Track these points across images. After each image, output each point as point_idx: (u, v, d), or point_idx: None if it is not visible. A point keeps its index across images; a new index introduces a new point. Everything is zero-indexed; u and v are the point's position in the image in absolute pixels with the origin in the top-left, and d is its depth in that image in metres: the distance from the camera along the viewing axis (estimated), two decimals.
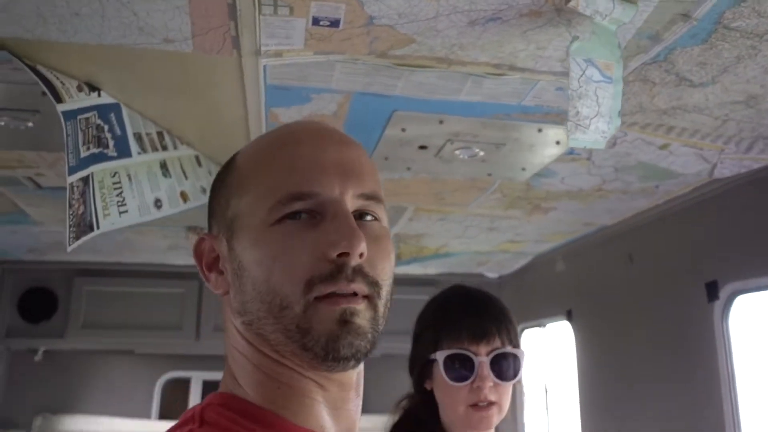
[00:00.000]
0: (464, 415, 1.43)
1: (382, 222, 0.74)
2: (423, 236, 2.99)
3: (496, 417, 1.44)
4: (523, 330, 3.73)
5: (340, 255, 0.66)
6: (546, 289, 3.46)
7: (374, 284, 0.68)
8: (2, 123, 1.74)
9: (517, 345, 1.48)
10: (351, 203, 0.70)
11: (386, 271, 0.71)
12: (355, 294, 0.66)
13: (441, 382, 1.45)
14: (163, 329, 3.63)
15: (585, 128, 1.14)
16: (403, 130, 1.77)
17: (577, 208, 2.48)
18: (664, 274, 2.44)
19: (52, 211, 2.58)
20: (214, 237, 0.75)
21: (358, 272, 0.67)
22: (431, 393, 1.50)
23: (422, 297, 4.02)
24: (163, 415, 3.89)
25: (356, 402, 0.75)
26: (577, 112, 1.13)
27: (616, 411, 2.76)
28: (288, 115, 1.69)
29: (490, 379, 1.40)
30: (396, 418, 1.53)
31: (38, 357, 3.73)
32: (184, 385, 4.04)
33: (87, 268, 3.53)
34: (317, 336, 0.66)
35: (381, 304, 0.69)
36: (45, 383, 3.81)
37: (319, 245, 0.66)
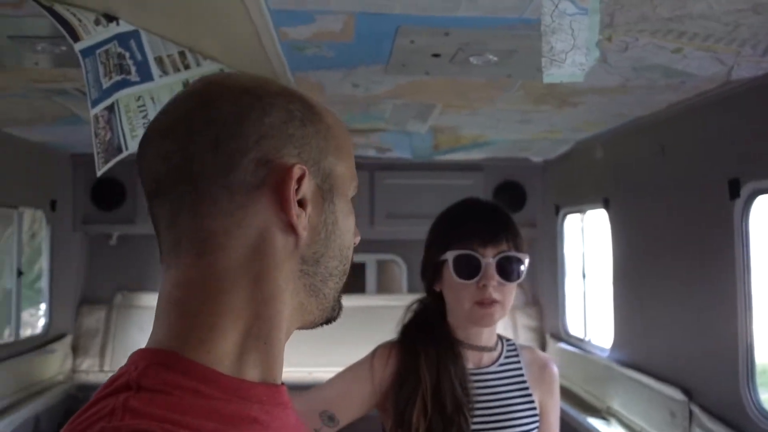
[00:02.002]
0: (469, 311, 1.56)
1: None
2: (457, 127, 3.03)
3: (498, 314, 1.57)
4: (565, 215, 3.80)
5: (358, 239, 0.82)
6: (586, 175, 3.48)
7: None
8: (39, 48, 1.88)
9: (521, 250, 1.58)
10: None
11: None
12: None
13: (449, 280, 1.58)
14: None
15: (560, 62, 1.17)
16: (412, 41, 1.80)
17: (605, 101, 2.47)
18: (691, 168, 2.44)
19: None
20: (307, 173, 0.71)
21: None
22: (440, 295, 1.64)
23: (466, 182, 4.13)
24: None
25: None
26: (551, 48, 1.16)
27: (644, 298, 2.86)
28: (297, 32, 1.74)
29: (495, 279, 1.53)
30: (406, 319, 1.68)
31: (113, 241, 4.09)
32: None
33: None
34: (339, 301, 0.78)
35: None
36: (121, 264, 4.18)
37: (354, 229, 0.80)
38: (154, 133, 0.72)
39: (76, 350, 4.03)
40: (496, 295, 1.54)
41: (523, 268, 1.57)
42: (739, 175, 2.12)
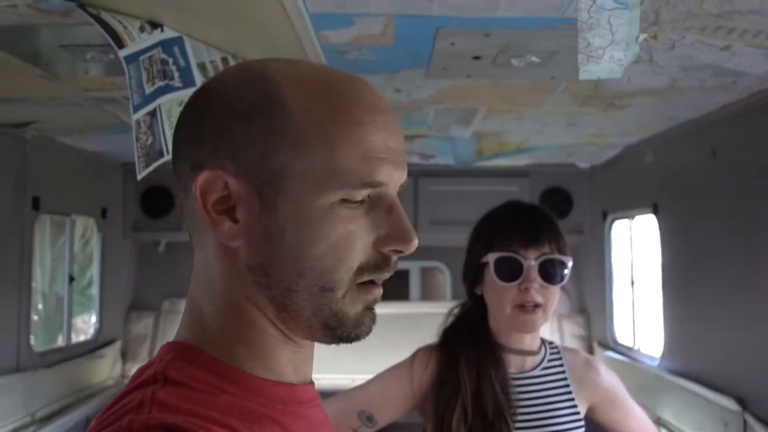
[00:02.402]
0: (511, 316, 1.53)
1: None
2: (501, 133, 3.00)
3: (540, 320, 1.54)
4: (613, 221, 3.72)
5: (393, 250, 0.67)
6: (635, 180, 3.41)
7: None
8: (89, 56, 1.93)
9: (564, 253, 1.55)
10: (396, 190, 0.70)
11: None
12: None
13: (491, 283, 1.55)
14: None
15: (597, 59, 1.15)
16: (452, 44, 1.79)
17: (654, 103, 2.41)
18: (745, 170, 2.36)
19: None
20: (233, 177, 0.66)
21: (395, 263, 0.69)
22: (481, 299, 1.62)
23: (512, 188, 4.09)
24: None
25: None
26: (588, 44, 1.13)
27: (695, 305, 2.77)
28: (338, 36, 1.75)
29: (537, 282, 1.50)
30: (448, 323, 1.66)
31: (161, 248, 4.17)
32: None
33: None
34: (346, 319, 0.67)
35: None
36: (169, 271, 4.25)
37: (372, 236, 0.67)
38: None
39: (125, 355, 4.11)
40: (538, 298, 1.51)
41: (566, 271, 1.54)
42: None
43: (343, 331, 0.68)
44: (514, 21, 1.61)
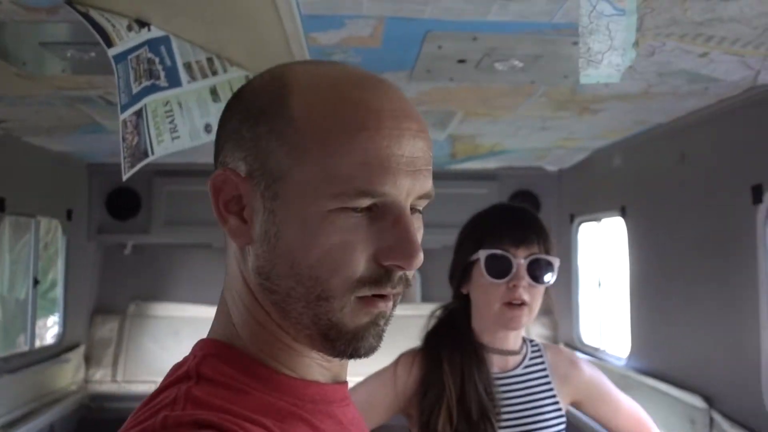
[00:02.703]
0: (498, 312, 1.56)
1: (422, 211, 0.71)
2: (476, 136, 3.04)
3: (526, 317, 1.57)
4: (580, 224, 3.80)
5: (394, 265, 0.65)
6: (602, 184, 3.48)
7: (408, 284, 0.68)
8: (69, 54, 1.89)
9: (552, 254, 1.58)
10: (410, 201, 0.67)
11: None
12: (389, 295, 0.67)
13: (479, 280, 1.57)
14: None
15: (597, 63, 1.18)
16: (439, 47, 1.81)
17: (627, 108, 2.47)
18: (713, 174, 2.44)
19: None
20: (242, 178, 0.67)
21: (402, 278, 0.67)
22: (467, 298, 1.64)
23: (481, 191, 4.14)
24: None
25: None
26: (588, 48, 1.16)
27: (663, 306, 2.85)
28: (327, 38, 1.76)
29: (526, 280, 1.53)
30: (430, 326, 1.68)
31: (128, 251, 4.09)
32: None
33: (164, 169, 3.73)
34: (345, 332, 0.66)
35: (400, 297, 0.69)
36: (135, 274, 4.19)
37: (374, 248, 0.64)
38: None
39: (89, 360, 4.03)
40: (525, 296, 1.54)
41: (553, 271, 1.57)
42: (761, 180, 2.12)
43: (341, 344, 0.66)
44: (502, 25, 1.64)
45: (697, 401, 2.49)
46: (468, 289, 1.62)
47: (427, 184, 0.67)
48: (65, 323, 3.80)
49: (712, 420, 2.41)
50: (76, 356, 3.88)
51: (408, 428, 1.65)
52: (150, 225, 3.92)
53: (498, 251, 1.54)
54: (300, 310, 0.66)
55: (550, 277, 1.57)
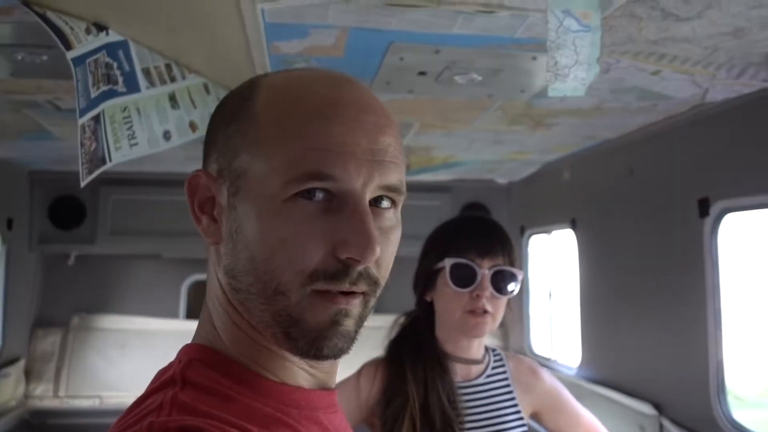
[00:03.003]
0: (460, 320, 1.58)
1: (396, 208, 0.70)
2: (431, 148, 3.06)
3: (489, 326, 1.59)
4: (530, 236, 3.86)
5: (349, 258, 0.63)
6: (553, 197, 3.55)
7: (375, 284, 0.66)
8: (19, 57, 1.83)
9: (516, 266, 1.62)
10: (371, 192, 0.66)
11: (389, 268, 0.69)
12: (353, 292, 0.65)
13: (443, 289, 1.59)
14: (186, 235, 3.80)
15: (564, 77, 1.20)
16: (401, 59, 1.82)
17: (578, 123, 2.53)
18: (661, 188, 2.52)
19: (72, 129, 2.68)
20: (213, 178, 0.69)
21: (363, 275, 0.65)
22: (431, 306, 1.64)
23: (434, 203, 4.15)
24: (190, 315, 4.16)
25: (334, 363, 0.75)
26: (556, 62, 1.19)
27: (612, 316, 2.92)
28: (289, 47, 1.74)
29: (489, 290, 1.55)
30: (393, 334, 1.68)
31: (71, 261, 3.97)
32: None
33: (111, 177, 3.63)
34: (306, 330, 0.65)
35: (373, 300, 0.68)
36: (79, 285, 4.05)
37: (331, 240, 0.63)
38: None
39: (29, 375, 3.88)
40: (488, 306, 1.56)
41: (515, 283, 1.59)
42: (708, 194, 2.20)
43: (303, 342, 0.65)
44: (465, 39, 1.66)
45: (646, 408, 2.55)
46: (432, 297, 1.63)
47: (391, 177, 0.67)
48: (4, 336, 3.64)
49: (661, 426, 2.48)
50: (16, 371, 3.72)
51: None
52: (95, 235, 3.81)
53: (463, 260, 1.55)
54: (261, 307, 0.65)
55: (513, 288, 1.59)
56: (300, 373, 0.72)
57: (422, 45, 1.71)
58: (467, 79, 1.98)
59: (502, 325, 4.25)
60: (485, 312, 1.57)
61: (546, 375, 1.71)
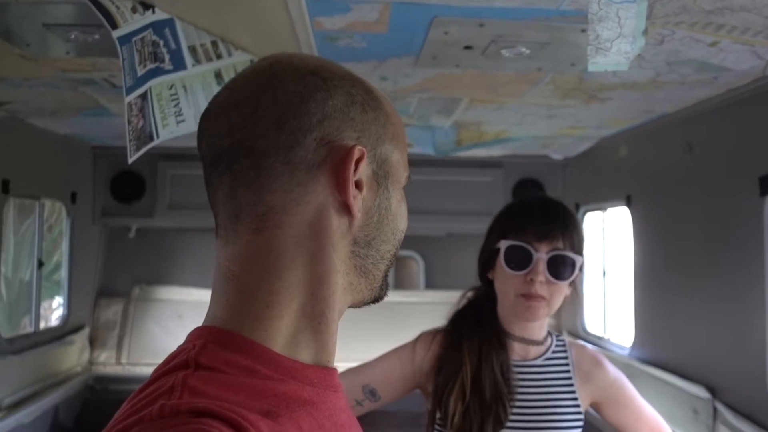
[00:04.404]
0: (513, 303, 1.55)
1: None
2: (482, 123, 3.02)
3: (543, 311, 1.54)
4: (585, 213, 3.78)
5: None
6: (608, 173, 3.46)
7: None
8: (73, 36, 1.88)
9: (579, 252, 1.55)
10: None
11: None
12: None
13: (500, 270, 1.56)
14: None
15: (606, 51, 1.16)
16: (446, 33, 1.79)
17: (634, 97, 2.45)
18: (719, 164, 2.42)
19: None
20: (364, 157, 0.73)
21: None
22: (492, 284, 1.63)
23: (486, 179, 4.12)
24: None
25: None
26: (597, 36, 1.15)
27: (667, 296, 2.84)
28: (332, 22, 1.74)
29: (544, 275, 1.50)
30: (460, 305, 1.67)
31: (132, 234, 4.10)
32: None
33: (169, 153, 3.73)
34: (387, 279, 0.80)
35: None
36: (139, 257, 4.19)
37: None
38: (221, 107, 0.74)
39: (93, 342, 4.05)
40: (542, 291, 1.51)
41: (575, 269, 1.54)
42: None
43: (386, 291, 0.80)
44: (509, 12, 1.62)
45: (700, 391, 2.49)
46: (492, 276, 1.61)
47: None
48: (70, 305, 3.81)
49: (715, 410, 2.41)
50: (81, 338, 3.89)
51: (426, 408, 1.64)
52: (154, 208, 3.92)
53: (519, 243, 1.52)
54: (383, 268, 0.78)
55: (571, 275, 1.54)
56: (308, 351, 0.72)
57: (466, 19, 1.68)
58: (515, 53, 1.94)
59: None
60: (540, 297, 1.53)
61: (611, 367, 1.66)
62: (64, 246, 3.79)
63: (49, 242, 4.35)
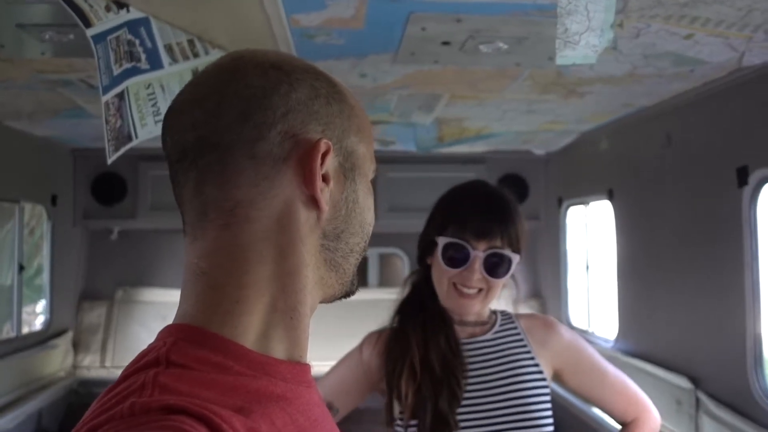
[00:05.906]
0: (447, 295, 1.55)
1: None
2: (463, 119, 3.02)
3: (477, 305, 1.55)
4: (568, 207, 3.80)
5: None
6: (590, 167, 3.48)
7: None
8: (48, 36, 1.86)
9: (516, 249, 1.54)
10: None
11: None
12: None
13: (437, 261, 1.55)
14: None
15: (574, 44, 1.17)
16: (423, 29, 1.79)
17: (612, 91, 2.47)
18: (698, 156, 2.44)
19: None
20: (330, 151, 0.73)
21: None
22: (430, 269, 1.62)
23: (469, 175, 4.11)
24: None
25: None
26: (566, 29, 1.15)
27: (650, 288, 2.86)
28: (309, 19, 1.73)
29: (480, 273, 1.50)
30: (405, 293, 1.67)
31: (114, 236, 4.06)
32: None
33: (150, 154, 3.68)
34: (355, 275, 0.80)
35: None
36: (122, 259, 4.16)
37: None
38: (184, 103, 0.73)
39: (77, 346, 4.01)
40: (479, 285, 1.52)
41: (511, 266, 1.54)
42: (747, 162, 2.12)
43: (356, 286, 0.80)
44: (486, 6, 1.62)
45: (683, 382, 2.51)
46: (431, 261, 1.59)
47: None
48: (52, 309, 3.78)
49: (698, 400, 2.43)
50: (64, 342, 3.86)
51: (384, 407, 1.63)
52: (136, 210, 3.90)
53: (456, 240, 1.51)
54: (352, 261, 0.78)
55: (507, 272, 1.53)
56: (281, 346, 0.71)
57: (442, 14, 1.68)
58: (493, 48, 1.94)
59: (540, 297, 4.24)
60: (472, 296, 1.52)
61: (564, 330, 1.63)
62: (45, 249, 3.76)
63: (30, 246, 4.30)
